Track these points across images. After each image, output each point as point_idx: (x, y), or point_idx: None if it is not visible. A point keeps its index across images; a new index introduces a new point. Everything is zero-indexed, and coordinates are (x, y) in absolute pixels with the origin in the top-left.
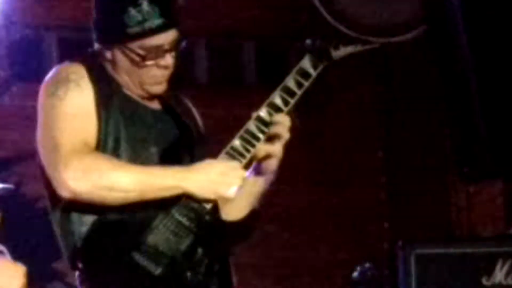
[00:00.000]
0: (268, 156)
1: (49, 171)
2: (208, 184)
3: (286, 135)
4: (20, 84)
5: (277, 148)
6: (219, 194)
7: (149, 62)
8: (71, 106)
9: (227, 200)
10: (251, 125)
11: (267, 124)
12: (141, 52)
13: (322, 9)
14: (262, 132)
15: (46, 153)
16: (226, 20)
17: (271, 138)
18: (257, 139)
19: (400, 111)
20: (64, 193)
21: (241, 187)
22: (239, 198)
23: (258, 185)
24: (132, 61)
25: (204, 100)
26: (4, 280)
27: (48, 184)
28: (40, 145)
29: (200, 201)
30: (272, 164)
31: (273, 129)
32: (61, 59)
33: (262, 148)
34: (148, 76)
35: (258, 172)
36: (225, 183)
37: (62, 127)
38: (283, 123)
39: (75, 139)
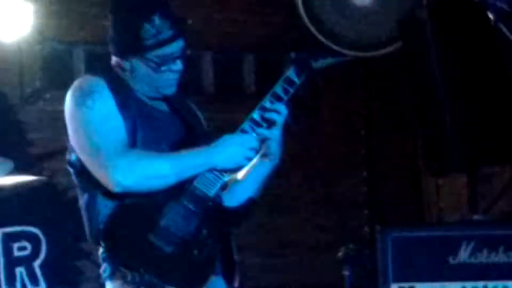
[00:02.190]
0: (268, 140)
1: (95, 171)
2: (230, 156)
3: (280, 121)
4: (52, 91)
5: (273, 132)
6: (239, 164)
7: (163, 68)
8: (101, 113)
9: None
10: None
11: (258, 124)
12: (156, 60)
13: (311, 27)
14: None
15: (89, 157)
16: (229, 37)
17: (270, 126)
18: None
19: (379, 115)
20: (116, 189)
21: (251, 168)
22: (249, 176)
23: (264, 166)
24: (149, 68)
25: (211, 106)
26: None
27: (79, 174)
28: (80, 150)
29: (223, 172)
30: (272, 147)
31: (270, 116)
32: (87, 70)
33: (262, 132)
34: (163, 79)
35: (263, 154)
36: (242, 154)
37: (98, 132)
38: (279, 111)
39: (112, 140)
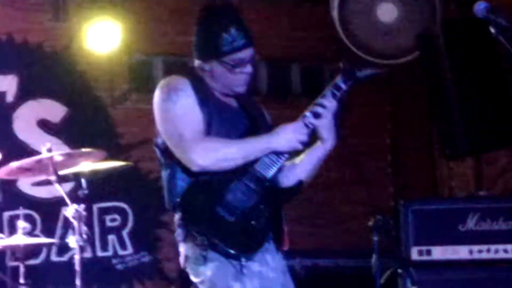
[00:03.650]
0: (318, 127)
1: (178, 153)
2: (287, 141)
3: (325, 113)
4: (136, 94)
5: (320, 121)
6: (294, 147)
7: (237, 70)
8: (183, 107)
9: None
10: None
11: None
12: (232, 63)
13: (346, 40)
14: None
15: (173, 142)
16: (280, 48)
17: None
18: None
19: (401, 110)
20: (195, 168)
21: (307, 152)
22: (305, 159)
23: (318, 149)
24: (225, 69)
25: (265, 105)
26: None
27: (163, 153)
28: (166, 136)
29: (282, 154)
30: (321, 133)
31: (318, 109)
32: (164, 77)
33: (313, 121)
34: (236, 79)
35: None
36: (297, 138)
37: (181, 122)
38: (327, 106)
39: (193, 129)
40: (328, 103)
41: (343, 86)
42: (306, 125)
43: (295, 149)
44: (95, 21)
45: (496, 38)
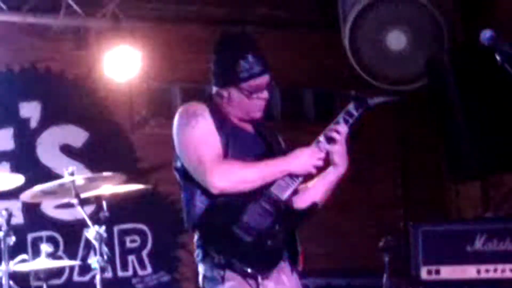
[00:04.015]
0: (332, 153)
1: (197, 176)
2: (303, 165)
3: (339, 138)
4: (155, 119)
5: (333, 147)
6: (308, 170)
7: (254, 96)
8: (202, 131)
9: (310, 185)
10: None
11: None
12: (249, 89)
13: (357, 67)
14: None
15: (193, 166)
16: (294, 76)
17: (332, 141)
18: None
19: (411, 134)
20: (214, 191)
21: (320, 176)
22: (318, 183)
23: (330, 174)
24: (243, 95)
25: (278, 130)
26: None
27: (182, 176)
28: (185, 159)
29: (295, 179)
30: (334, 158)
31: (331, 134)
32: (182, 103)
33: (326, 147)
34: (253, 105)
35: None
36: (312, 163)
37: (200, 146)
38: (340, 132)
39: (212, 152)
40: (341, 129)
41: (355, 113)
42: (320, 150)
43: (310, 172)
44: (115, 49)
45: (502, 65)
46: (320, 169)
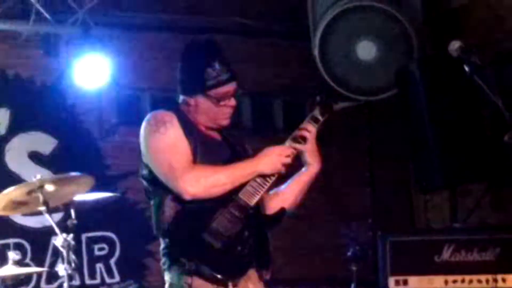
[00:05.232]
0: (302, 151)
1: (168, 183)
2: (272, 163)
3: (309, 136)
4: (124, 127)
5: (305, 146)
6: (279, 169)
7: (222, 103)
8: (172, 138)
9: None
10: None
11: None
12: (216, 97)
13: (327, 77)
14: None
15: (164, 172)
16: (262, 85)
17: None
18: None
19: (380, 145)
20: (186, 197)
21: (294, 177)
22: (292, 184)
23: (304, 174)
24: (211, 103)
25: (248, 138)
26: None
27: (150, 184)
28: (155, 166)
29: (269, 177)
30: (306, 157)
31: (301, 133)
32: (151, 110)
33: (297, 146)
34: (221, 113)
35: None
36: (281, 161)
37: (170, 152)
38: (309, 131)
39: (182, 158)
40: (310, 128)
41: (321, 118)
42: (289, 148)
43: (279, 171)
44: (85, 56)
45: (469, 76)
46: (292, 171)
